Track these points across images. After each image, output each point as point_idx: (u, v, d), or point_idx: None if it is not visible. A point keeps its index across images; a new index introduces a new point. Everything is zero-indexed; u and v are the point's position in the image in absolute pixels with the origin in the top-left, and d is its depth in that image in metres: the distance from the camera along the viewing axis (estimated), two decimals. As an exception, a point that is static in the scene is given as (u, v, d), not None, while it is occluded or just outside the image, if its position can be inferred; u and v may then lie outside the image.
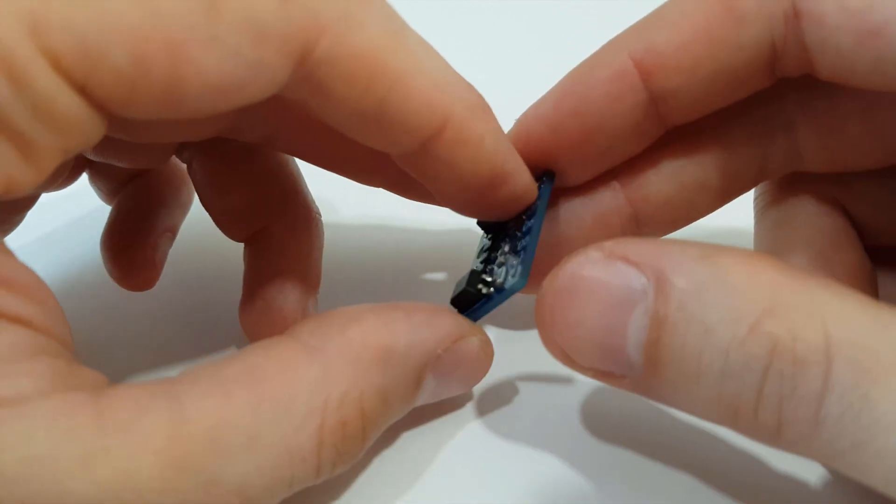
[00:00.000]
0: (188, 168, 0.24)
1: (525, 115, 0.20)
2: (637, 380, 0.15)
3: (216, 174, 0.23)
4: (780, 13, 0.17)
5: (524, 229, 0.19)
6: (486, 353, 0.19)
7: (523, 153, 0.19)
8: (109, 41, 0.14)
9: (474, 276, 0.19)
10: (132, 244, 0.24)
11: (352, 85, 0.16)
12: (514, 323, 0.23)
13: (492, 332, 0.22)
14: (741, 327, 0.14)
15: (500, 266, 0.19)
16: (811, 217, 0.20)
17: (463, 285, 0.19)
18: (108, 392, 0.14)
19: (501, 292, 0.18)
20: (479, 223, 0.21)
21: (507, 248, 0.19)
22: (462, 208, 0.20)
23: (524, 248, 0.19)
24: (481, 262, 0.20)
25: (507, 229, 0.20)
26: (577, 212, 0.21)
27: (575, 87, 0.19)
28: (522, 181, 0.19)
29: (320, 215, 0.23)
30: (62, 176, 0.23)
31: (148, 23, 0.14)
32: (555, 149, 0.19)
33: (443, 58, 0.18)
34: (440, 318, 0.18)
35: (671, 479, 0.18)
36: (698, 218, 0.21)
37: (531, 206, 0.20)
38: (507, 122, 0.20)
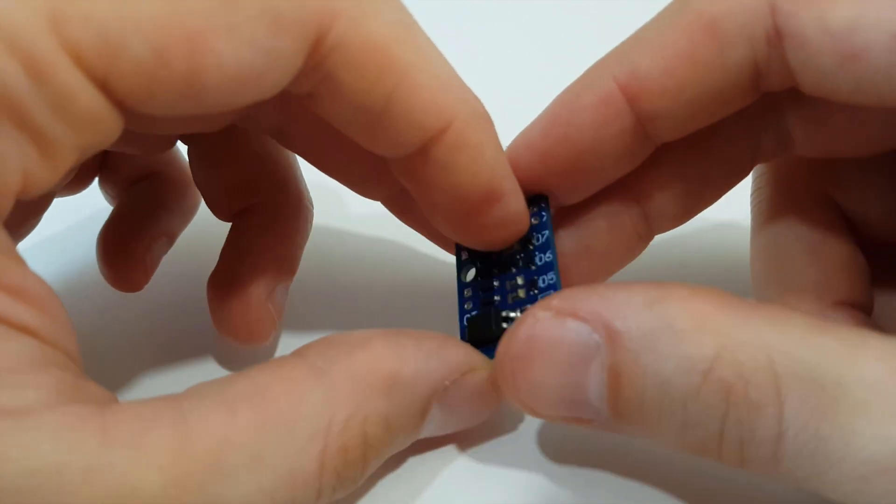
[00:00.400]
0: (188, 148, 0.24)
1: (514, 142, 0.20)
2: (605, 423, 0.16)
3: (213, 149, 0.23)
4: (762, 34, 0.17)
5: (539, 263, 0.19)
6: (497, 389, 0.18)
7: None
8: (130, 33, 0.14)
9: (497, 314, 0.19)
10: (126, 243, 0.24)
11: (362, 75, 0.16)
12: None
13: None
14: (695, 377, 0.14)
15: (515, 301, 0.19)
16: (803, 212, 0.21)
17: (484, 324, 0.19)
18: (113, 407, 0.14)
19: None
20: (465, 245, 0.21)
21: (520, 282, 0.19)
22: (453, 227, 0.20)
23: (551, 286, 0.18)
24: (480, 291, 0.20)
25: (502, 257, 0.20)
26: (590, 221, 0.21)
27: (562, 113, 0.19)
28: (517, 204, 0.19)
29: (312, 206, 0.23)
30: (72, 176, 0.23)
31: (167, 13, 0.14)
32: (545, 175, 0.19)
33: (447, 61, 0.18)
34: (450, 348, 0.17)
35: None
36: (704, 208, 0.21)
37: (533, 234, 0.20)
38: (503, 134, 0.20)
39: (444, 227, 0.20)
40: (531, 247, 0.20)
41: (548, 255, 0.19)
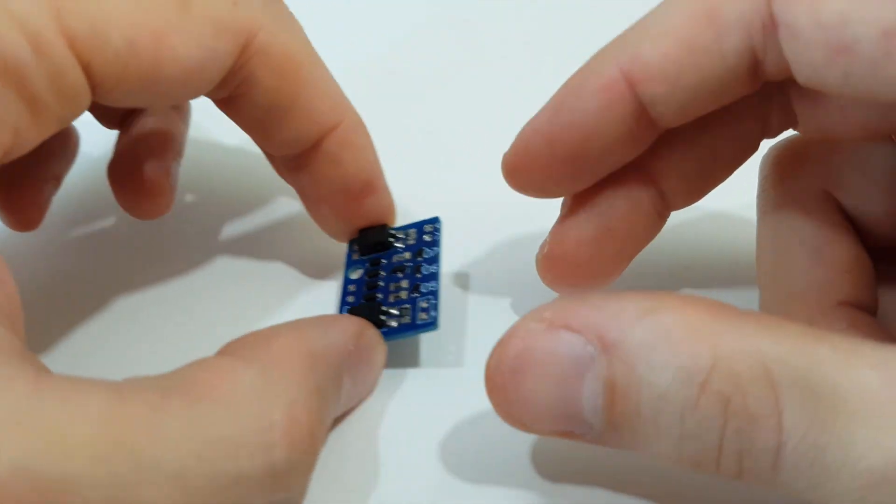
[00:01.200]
0: None
1: (522, 130, 0.20)
2: (598, 437, 0.16)
3: None
4: (758, 23, 0.17)
5: (425, 273, 0.22)
6: (381, 343, 0.21)
7: (523, 166, 0.20)
8: (111, 27, 0.17)
9: (378, 307, 0.21)
10: (19, 187, 0.25)
11: (276, 75, 0.20)
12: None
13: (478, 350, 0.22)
14: (692, 388, 0.14)
15: (396, 300, 0.22)
16: (808, 214, 0.21)
17: (366, 314, 0.21)
18: (49, 373, 0.14)
19: (411, 328, 0.21)
20: (357, 246, 0.24)
21: (404, 285, 0.22)
22: (334, 214, 0.24)
23: (432, 293, 0.21)
24: (366, 288, 0.22)
25: (392, 263, 0.23)
26: (609, 203, 0.21)
27: (567, 99, 0.20)
28: (387, 198, 0.24)
29: (189, 107, 0.28)
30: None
31: (138, 15, 0.18)
32: (553, 161, 0.20)
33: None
34: (342, 320, 0.20)
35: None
36: (718, 184, 0.22)
37: (424, 249, 0.23)
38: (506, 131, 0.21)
39: (324, 217, 0.24)
40: (420, 259, 0.23)
41: (434, 266, 0.22)
